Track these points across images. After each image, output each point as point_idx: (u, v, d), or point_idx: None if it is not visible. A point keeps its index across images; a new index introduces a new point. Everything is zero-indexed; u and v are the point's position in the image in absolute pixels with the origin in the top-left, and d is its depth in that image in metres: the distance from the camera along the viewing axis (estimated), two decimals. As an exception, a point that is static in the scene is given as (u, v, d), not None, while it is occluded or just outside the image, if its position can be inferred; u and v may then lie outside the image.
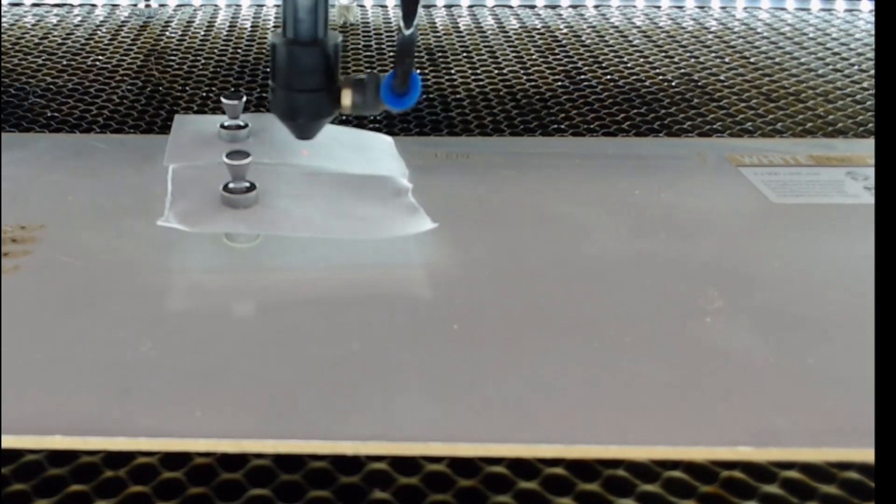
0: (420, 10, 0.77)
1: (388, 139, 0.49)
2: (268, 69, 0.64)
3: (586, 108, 0.58)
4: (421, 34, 0.72)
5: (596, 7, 0.79)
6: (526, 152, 0.51)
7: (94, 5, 0.77)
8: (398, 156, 0.47)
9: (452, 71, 0.64)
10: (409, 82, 0.38)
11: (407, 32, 0.37)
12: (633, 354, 0.34)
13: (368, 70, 0.64)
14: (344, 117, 0.56)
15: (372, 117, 0.56)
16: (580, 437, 0.30)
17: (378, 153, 0.47)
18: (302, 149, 0.44)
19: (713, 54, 0.69)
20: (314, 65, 0.39)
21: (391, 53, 0.68)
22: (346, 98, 0.40)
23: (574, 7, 0.79)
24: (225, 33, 0.72)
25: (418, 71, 0.64)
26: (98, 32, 0.71)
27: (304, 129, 0.41)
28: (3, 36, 0.70)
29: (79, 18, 0.74)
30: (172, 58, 0.66)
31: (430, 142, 0.52)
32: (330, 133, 0.49)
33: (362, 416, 0.30)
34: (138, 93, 0.59)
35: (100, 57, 0.66)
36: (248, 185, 0.40)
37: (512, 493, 0.28)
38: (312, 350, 0.34)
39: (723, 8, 0.80)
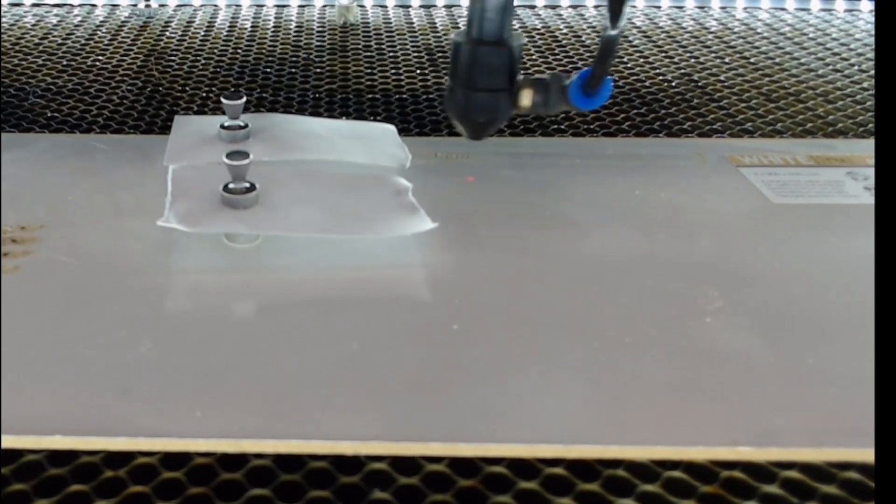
0: (420, 11, 0.77)
1: (391, 127, 0.49)
2: (268, 70, 0.64)
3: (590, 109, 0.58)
4: (421, 34, 0.72)
5: (596, 7, 0.79)
6: (526, 152, 0.51)
7: (94, 5, 0.77)
8: (400, 142, 0.47)
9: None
10: (603, 82, 0.39)
11: (613, 32, 0.37)
12: (633, 354, 0.34)
13: (368, 70, 0.64)
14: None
15: (371, 118, 0.56)
16: (580, 437, 0.30)
17: (380, 140, 0.47)
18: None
19: (713, 54, 0.69)
20: (501, 65, 0.39)
21: (391, 53, 0.68)
22: (527, 98, 0.40)
23: (574, 7, 0.79)
24: (225, 33, 0.72)
25: (417, 71, 0.64)
26: (98, 32, 0.71)
27: (480, 129, 0.41)
28: (3, 36, 0.70)
29: (79, 18, 0.74)
30: (172, 58, 0.66)
31: (430, 142, 0.52)
32: (331, 126, 0.49)
33: (362, 416, 0.30)
34: (138, 93, 0.59)
35: (100, 57, 0.66)
36: (248, 185, 0.40)
37: (512, 493, 0.28)
38: (312, 350, 0.34)
39: (723, 8, 0.80)
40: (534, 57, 0.67)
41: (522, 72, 0.65)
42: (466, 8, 0.40)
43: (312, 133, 0.47)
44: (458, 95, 0.40)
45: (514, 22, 0.75)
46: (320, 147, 0.45)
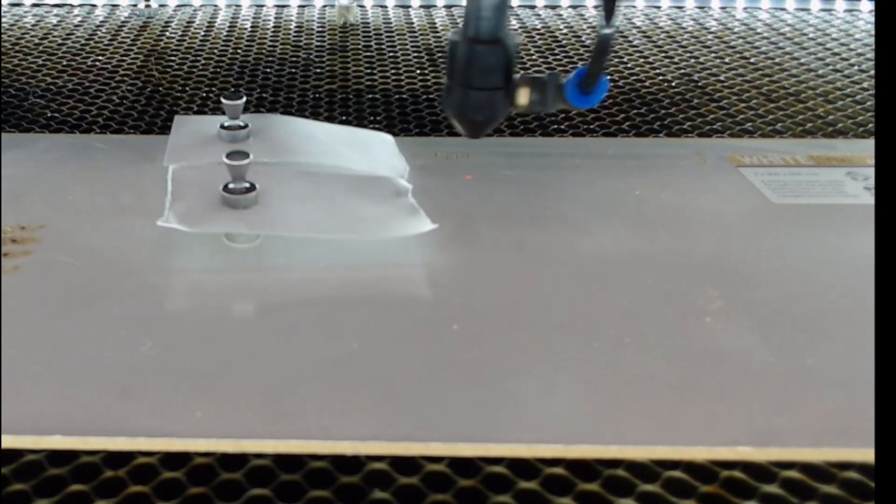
0: (420, 11, 0.77)
1: (389, 137, 0.49)
2: (268, 70, 0.64)
3: (589, 108, 0.58)
4: (421, 34, 0.72)
5: (596, 7, 0.79)
6: (526, 152, 0.51)
7: (94, 5, 0.77)
8: (399, 153, 0.47)
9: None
10: (599, 80, 0.39)
11: (608, 30, 0.37)
12: (633, 354, 0.34)
13: (368, 70, 0.64)
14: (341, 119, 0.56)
15: (371, 117, 0.56)
16: (580, 437, 0.30)
17: (379, 150, 0.47)
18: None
19: (713, 54, 0.69)
20: (496, 63, 0.39)
21: (391, 53, 0.68)
22: (524, 97, 0.40)
23: (574, 7, 0.79)
24: (225, 33, 0.72)
25: (417, 71, 0.64)
26: (98, 33, 0.71)
27: (478, 127, 0.41)
28: (3, 36, 0.70)
29: (79, 19, 0.74)
30: (172, 58, 0.66)
31: (430, 142, 0.52)
32: (330, 131, 0.49)
33: (362, 416, 0.30)
34: (138, 93, 0.59)
35: (100, 57, 0.66)
36: (248, 185, 0.40)
37: (512, 493, 0.28)
38: (312, 350, 0.34)
39: (723, 8, 0.80)
40: (534, 57, 0.67)
41: (522, 71, 0.65)
42: (464, 7, 0.39)
43: (313, 138, 0.47)
44: (455, 94, 0.40)
45: (513, 22, 0.75)
46: (320, 153, 0.45)
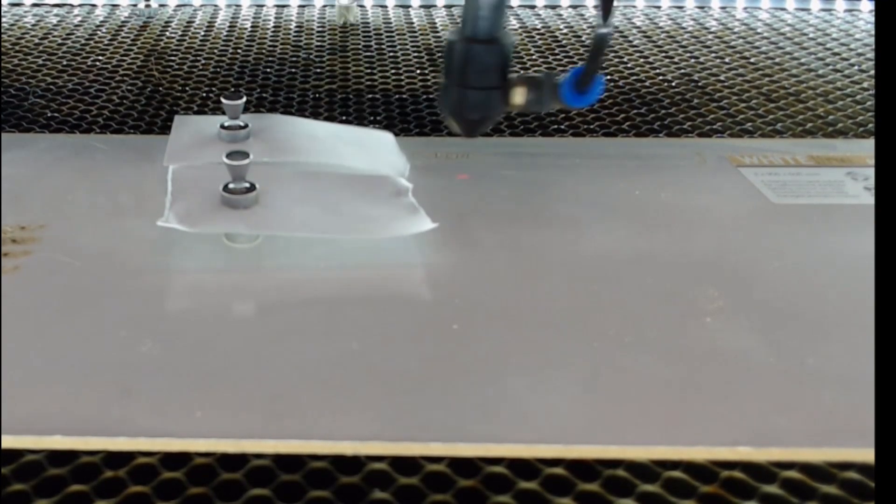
0: (420, 11, 0.77)
1: (390, 135, 0.49)
2: (268, 70, 0.64)
3: (586, 108, 0.58)
4: (421, 34, 0.72)
5: (596, 7, 0.79)
6: (526, 152, 0.51)
7: (94, 5, 0.77)
8: (399, 151, 0.47)
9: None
10: (595, 79, 0.39)
11: (604, 30, 0.37)
12: (633, 354, 0.34)
13: (368, 70, 0.64)
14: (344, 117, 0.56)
15: (371, 117, 0.56)
16: (580, 437, 0.30)
17: (380, 148, 0.47)
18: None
19: (713, 54, 0.69)
20: (493, 62, 0.39)
21: (391, 53, 0.68)
22: (519, 96, 0.40)
23: (574, 7, 0.79)
24: (225, 33, 0.72)
25: (417, 71, 0.64)
26: (98, 32, 0.71)
27: (473, 126, 0.41)
28: (3, 36, 0.70)
29: (79, 18, 0.74)
30: (172, 58, 0.66)
31: (430, 142, 0.52)
32: (331, 131, 0.49)
33: (362, 416, 0.30)
34: (138, 93, 0.59)
35: (100, 57, 0.66)
36: (248, 185, 0.40)
37: (512, 493, 0.28)
38: (312, 350, 0.34)
39: (723, 8, 0.80)
40: (534, 57, 0.67)
41: (521, 70, 0.65)
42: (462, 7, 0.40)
43: (313, 137, 0.47)
44: (451, 93, 0.40)
45: (511, 22, 0.75)
46: (321, 151, 0.45)
